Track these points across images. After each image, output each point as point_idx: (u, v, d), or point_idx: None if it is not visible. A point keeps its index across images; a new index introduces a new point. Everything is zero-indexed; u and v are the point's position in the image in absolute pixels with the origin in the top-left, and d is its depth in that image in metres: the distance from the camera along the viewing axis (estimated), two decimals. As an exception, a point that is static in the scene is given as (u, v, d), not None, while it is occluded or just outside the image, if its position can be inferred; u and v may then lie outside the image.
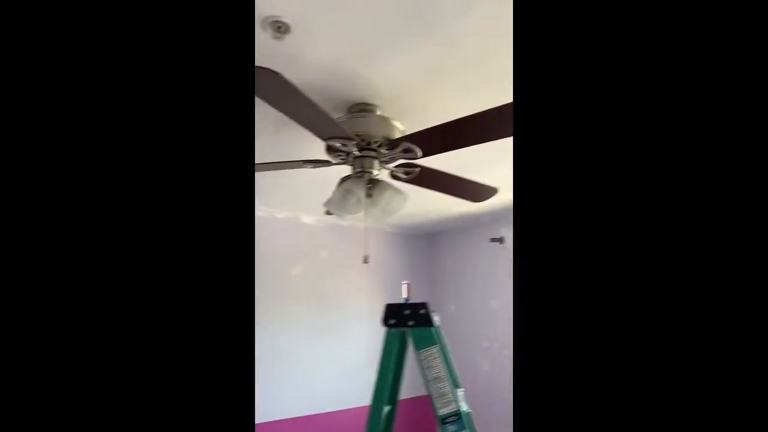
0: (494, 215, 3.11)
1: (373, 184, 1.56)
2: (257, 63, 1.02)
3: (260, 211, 2.78)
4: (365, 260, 2.10)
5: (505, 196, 2.67)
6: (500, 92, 1.46)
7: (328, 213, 1.86)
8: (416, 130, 1.41)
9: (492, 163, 2.15)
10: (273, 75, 0.99)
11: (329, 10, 1.08)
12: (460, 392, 1.46)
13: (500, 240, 2.57)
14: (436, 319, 1.48)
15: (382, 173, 1.59)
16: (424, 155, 1.48)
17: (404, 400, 2.96)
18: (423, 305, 1.44)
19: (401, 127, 1.55)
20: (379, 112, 1.55)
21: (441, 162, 1.96)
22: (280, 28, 1.12)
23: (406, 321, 1.43)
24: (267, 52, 1.20)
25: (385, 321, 1.50)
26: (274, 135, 1.76)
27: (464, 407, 1.37)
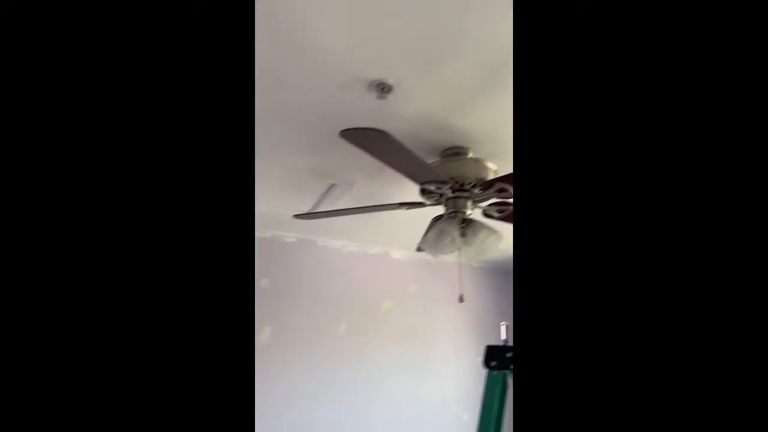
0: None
1: (467, 223, 1.60)
2: (363, 123, 1.15)
3: (353, 247, 2.93)
4: (460, 299, 2.11)
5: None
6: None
7: (419, 249, 1.92)
8: (509, 170, 1.43)
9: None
10: (381, 134, 1.09)
11: (428, 70, 1.18)
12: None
13: None
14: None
15: (474, 212, 1.62)
16: (518, 195, 1.50)
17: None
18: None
19: (494, 168, 1.59)
20: (471, 155, 1.60)
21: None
22: (383, 89, 1.24)
23: (508, 364, 1.41)
24: (371, 108, 1.34)
25: (486, 363, 1.49)
26: (369, 181, 1.89)
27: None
